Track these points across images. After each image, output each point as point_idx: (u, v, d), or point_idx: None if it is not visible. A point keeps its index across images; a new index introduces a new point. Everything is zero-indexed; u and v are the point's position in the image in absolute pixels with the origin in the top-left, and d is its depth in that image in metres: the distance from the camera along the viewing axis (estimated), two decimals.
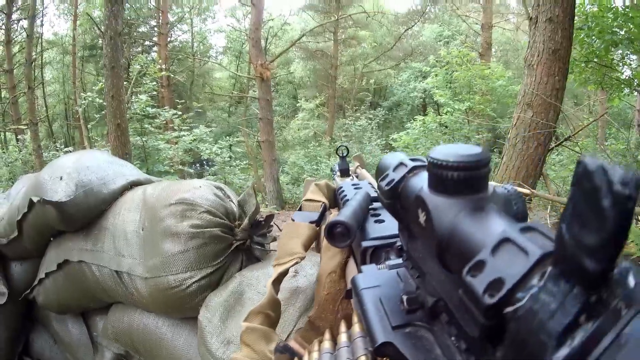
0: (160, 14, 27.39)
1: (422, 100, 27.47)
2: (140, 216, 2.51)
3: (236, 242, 2.34)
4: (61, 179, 2.64)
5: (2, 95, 24.62)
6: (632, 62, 9.91)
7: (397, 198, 0.72)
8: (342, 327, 0.92)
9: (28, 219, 2.84)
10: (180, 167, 16.54)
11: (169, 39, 28.11)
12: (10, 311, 3.18)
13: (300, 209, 1.56)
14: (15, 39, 22.81)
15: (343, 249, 1.19)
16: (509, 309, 0.40)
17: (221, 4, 35.07)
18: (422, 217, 0.59)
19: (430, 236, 0.57)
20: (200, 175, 18.54)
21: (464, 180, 0.55)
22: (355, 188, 1.48)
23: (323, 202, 1.55)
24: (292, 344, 1.15)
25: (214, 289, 2.26)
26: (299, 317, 1.95)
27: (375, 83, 30.65)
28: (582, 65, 9.63)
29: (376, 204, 1.22)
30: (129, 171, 3.05)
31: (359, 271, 0.93)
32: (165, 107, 17.94)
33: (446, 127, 15.10)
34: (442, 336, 0.62)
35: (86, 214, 2.70)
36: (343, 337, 0.89)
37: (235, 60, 34.06)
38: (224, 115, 31.59)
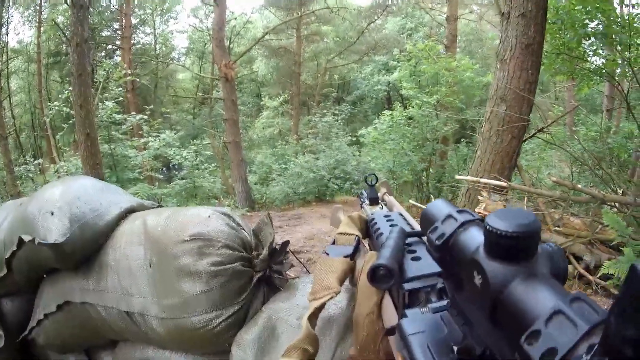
0: (123, 17, 27.22)
1: (386, 93, 27.68)
2: (145, 250, 2.40)
3: (257, 274, 2.30)
4: (52, 214, 2.50)
5: None
6: (602, 52, 10.05)
7: (447, 251, 0.74)
8: None
9: (18, 256, 2.69)
10: (149, 173, 16.47)
11: (132, 41, 27.98)
12: (6, 353, 2.99)
13: (333, 243, 1.56)
14: None
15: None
16: None
17: (184, 5, 34.97)
18: (477, 280, 0.63)
19: (484, 297, 0.61)
20: (169, 181, 18.51)
21: (519, 248, 0.59)
22: (388, 220, 1.50)
23: (356, 235, 1.54)
24: None
25: (242, 326, 2.21)
26: (336, 347, 1.93)
27: (339, 78, 30.96)
28: (553, 56, 9.73)
29: (411, 239, 1.22)
30: (121, 197, 2.93)
31: (400, 313, 0.99)
32: (132, 113, 17.80)
33: (414, 120, 15.25)
34: None
35: (83, 251, 2.57)
36: None
37: (198, 60, 34.04)
38: (189, 117, 31.51)
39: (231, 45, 24.76)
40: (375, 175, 2.00)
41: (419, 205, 10.77)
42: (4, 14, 21.80)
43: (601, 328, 0.44)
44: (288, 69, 28.66)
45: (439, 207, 0.83)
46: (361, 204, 2.02)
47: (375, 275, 0.97)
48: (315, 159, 18.48)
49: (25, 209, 2.68)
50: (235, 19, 27.33)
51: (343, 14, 25.74)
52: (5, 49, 24.59)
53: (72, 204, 2.58)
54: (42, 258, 2.60)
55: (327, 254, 1.45)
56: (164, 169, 19.99)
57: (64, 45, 25.02)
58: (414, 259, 1.11)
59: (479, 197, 7.34)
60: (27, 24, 28.49)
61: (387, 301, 1.16)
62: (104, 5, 28.28)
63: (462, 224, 0.73)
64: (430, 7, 24.59)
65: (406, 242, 1.18)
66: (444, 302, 0.89)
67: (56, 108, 15.86)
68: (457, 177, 9.12)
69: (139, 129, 17.22)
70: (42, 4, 26.17)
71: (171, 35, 34.08)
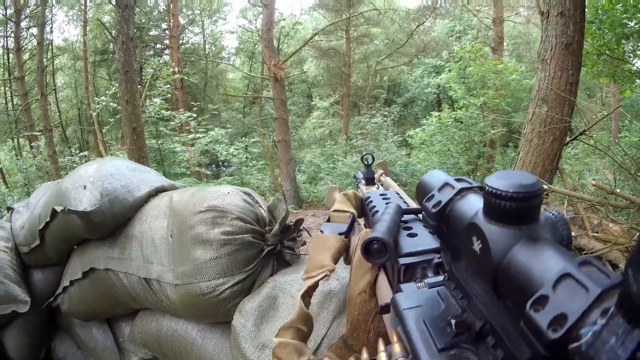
0: (171, 17, 27.56)
1: (436, 95, 27.38)
2: (168, 223, 2.51)
3: (267, 247, 2.36)
4: (85, 187, 2.63)
5: (15, 102, 24.73)
6: None
7: (444, 220, 0.73)
8: (381, 345, 0.89)
9: (51, 228, 2.85)
10: (197, 168, 16.59)
11: (180, 41, 28.16)
12: (32, 319, 3.18)
13: (328, 220, 1.53)
14: (26, 46, 22.96)
15: (374, 266, 1.18)
16: (573, 344, 0.43)
17: (232, 5, 34.81)
18: (477, 245, 0.61)
19: (485, 264, 0.59)
20: (217, 177, 18.56)
21: (521, 211, 0.57)
22: (384, 198, 1.49)
23: (351, 213, 1.51)
24: None
25: (247, 295, 2.28)
26: (333, 320, 1.97)
27: (389, 80, 30.52)
28: (594, 57, 9.61)
29: (407, 217, 1.22)
30: (153, 177, 3.05)
31: (395, 288, 0.98)
32: (180, 110, 17.97)
33: (461, 122, 15.07)
34: (486, 359, 0.63)
35: (112, 222, 2.70)
36: (383, 357, 0.86)
37: (248, 61, 33.96)
38: (239, 116, 31.55)
39: (280, 46, 24.65)
40: (371, 155, 1.98)
41: None
42: (47, 13, 22.19)
43: (615, 292, 0.43)
44: (338, 70, 28.40)
45: (436, 175, 0.84)
46: (357, 184, 2.04)
47: (369, 249, 0.97)
48: None
49: (60, 185, 2.81)
50: (284, 19, 27.25)
51: (391, 16, 25.56)
52: (50, 46, 24.90)
53: (105, 179, 2.70)
54: (72, 227, 2.72)
55: (322, 232, 1.44)
56: (213, 165, 20.02)
57: (111, 44, 25.23)
58: (410, 235, 1.10)
59: None
60: (73, 23, 28.88)
61: (382, 280, 1.15)
62: (151, 5, 28.41)
63: (460, 191, 0.73)
64: (477, 10, 24.31)
65: (402, 219, 1.19)
66: (441, 278, 0.87)
67: (103, 103, 16.01)
68: None
69: (187, 126, 17.34)
70: (87, 3, 26.46)
71: (220, 35, 34.01)
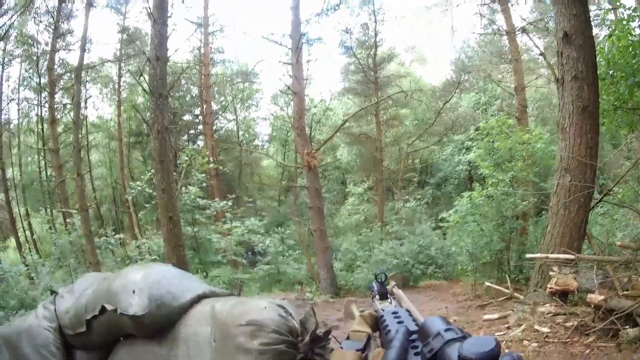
0: (203, 103, 28.39)
1: (467, 172, 27.36)
2: (211, 329, 2.83)
3: (299, 354, 2.66)
4: (134, 292, 2.97)
5: (49, 174, 25.33)
6: None
7: None
8: None
9: (99, 320, 3.17)
10: (232, 257, 16.76)
11: (214, 127, 28.93)
12: None
13: (348, 338, 1.78)
14: (60, 118, 23.69)
15: None
16: None
17: (263, 92, 35.04)
18: None
19: None
20: (253, 265, 18.62)
21: None
22: (395, 317, 1.72)
23: (367, 333, 1.77)
24: None
25: None
26: None
27: (421, 161, 31.15)
28: (611, 113, 9.88)
29: (414, 336, 1.46)
30: (195, 285, 3.37)
31: None
32: (216, 199, 18.43)
33: (492, 199, 15.08)
34: None
35: (159, 324, 3.02)
36: None
37: (281, 148, 34.38)
38: (274, 204, 31.75)
39: (312, 134, 24.89)
40: (384, 273, 2.21)
41: (494, 286, 10.90)
42: (82, 89, 22.92)
43: None
44: (370, 155, 28.79)
45: (433, 323, 1.20)
46: (372, 297, 2.31)
47: None
48: (400, 244, 18.73)
49: (110, 284, 3.16)
50: (315, 106, 27.47)
51: (418, 96, 25.94)
52: (85, 122, 25.81)
53: (152, 286, 3.03)
54: (122, 325, 3.06)
55: (342, 347, 1.69)
56: (249, 253, 20.13)
57: (145, 126, 25.89)
58: (416, 353, 1.34)
59: (550, 273, 7.43)
60: (107, 101, 29.95)
61: None
62: (183, 90, 28.90)
63: (447, 341, 1.05)
64: (499, 80, 24.46)
65: (411, 338, 1.44)
66: None
67: (138, 188, 16.59)
68: (528, 256, 9.16)
69: (222, 215, 17.50)
70: (121, 83, 27.18)
71: (253, 122, 34.93)
